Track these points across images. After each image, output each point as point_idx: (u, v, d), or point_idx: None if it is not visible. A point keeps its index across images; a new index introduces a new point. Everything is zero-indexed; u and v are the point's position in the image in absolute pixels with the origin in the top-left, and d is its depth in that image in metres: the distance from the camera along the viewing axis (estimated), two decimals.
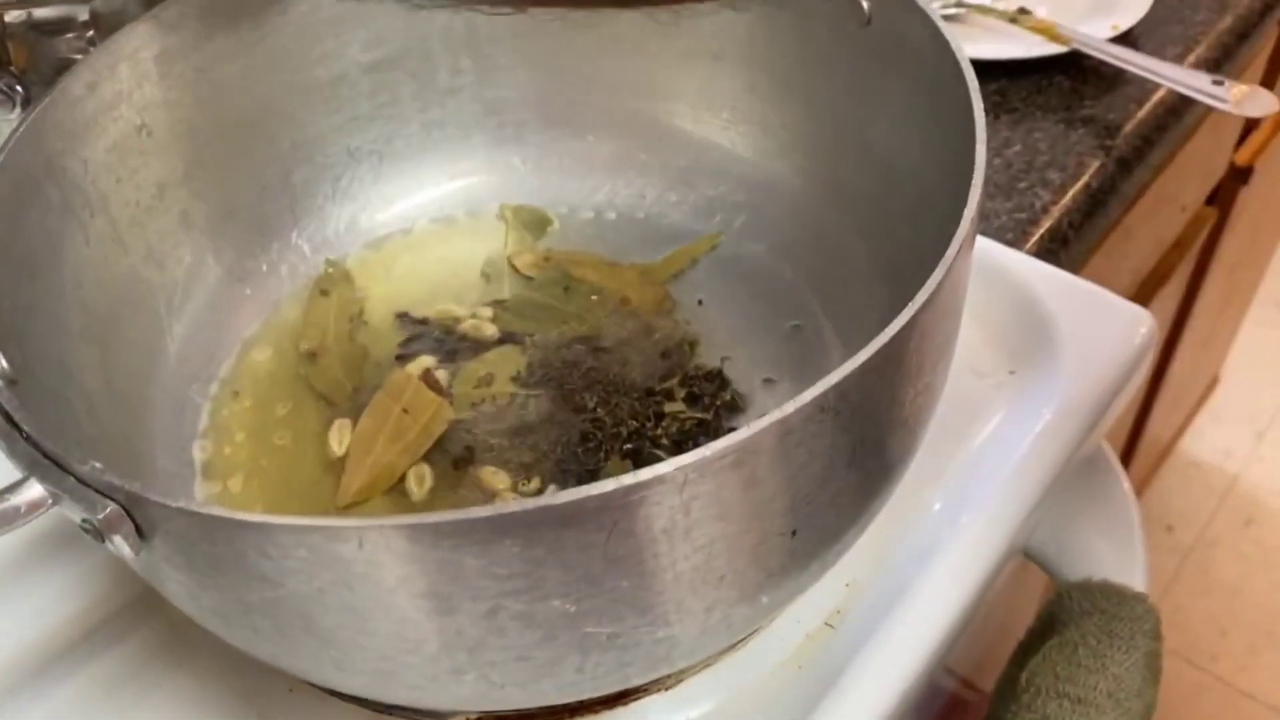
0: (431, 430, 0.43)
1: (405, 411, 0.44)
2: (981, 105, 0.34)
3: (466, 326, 0.47)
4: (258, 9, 0.45)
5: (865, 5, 0.41)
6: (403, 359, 0.46)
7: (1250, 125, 0.86)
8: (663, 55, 0.50)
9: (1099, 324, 0.47)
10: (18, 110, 0.48)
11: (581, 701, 0.38)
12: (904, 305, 0.41)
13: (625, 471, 0.41)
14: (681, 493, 0.27)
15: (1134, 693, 0.43)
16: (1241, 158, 0.87)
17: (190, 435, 0.44)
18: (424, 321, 0.48)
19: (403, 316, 0.48)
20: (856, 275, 0.45)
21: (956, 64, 0.37)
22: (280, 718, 0.39)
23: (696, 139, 0.51)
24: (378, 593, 0.28)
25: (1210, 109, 0.64)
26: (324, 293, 0.49)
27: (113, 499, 0.28)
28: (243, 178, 0.48)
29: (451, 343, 0.47)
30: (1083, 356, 0.46)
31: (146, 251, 0.44)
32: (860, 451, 0.30)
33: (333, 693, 0.39)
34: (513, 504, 0.26)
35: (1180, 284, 0.88)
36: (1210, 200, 0.85)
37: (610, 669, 0.31)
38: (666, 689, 0.39)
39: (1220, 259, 0.94)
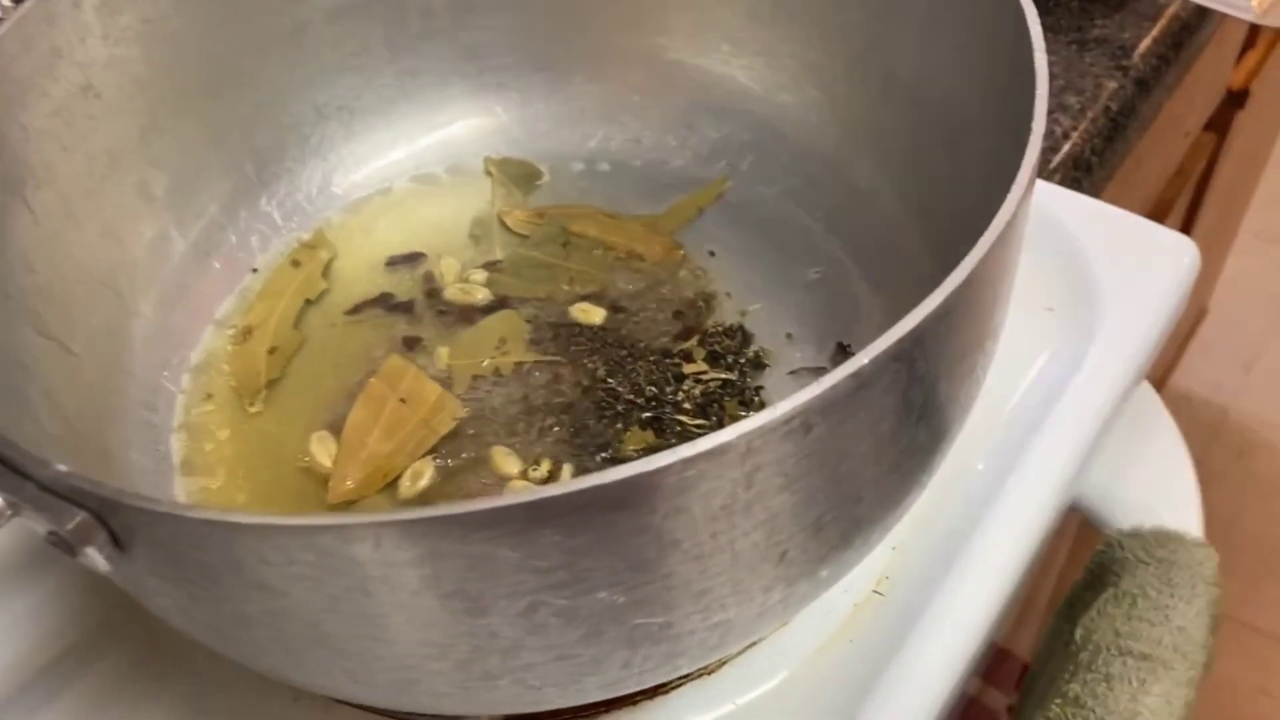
0: (436, 427, 0.39)
1: (402, 401, 0.40)
2: (1036, 14, 0.31)
3: (457, 291, 0.44)
4: None
5: None
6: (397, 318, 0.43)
7: (1245, 47, 0.83)
8: None
9: (1139, 254, 0.44)
10: None
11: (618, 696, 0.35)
12: (943, 244, 0.38)
13: (647, 443, 0.39)
14: (744, 463, 0.23)
15: (1199, 644, 0.41)
16: (1236, 81, 0.84)
17: (165, 428, 0.40)
18: (415, 287, 0.44)
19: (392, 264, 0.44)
20: (883, 215, 0.42)
21: None
22: None
23: (695, 76, 0.47)
24: (399, 596, 0.24)
25: (1219, 25, 0.61)
26: (295, 264, 0.45)
27: (83, 506, 0.24)
28: (202, 141, 0.43)
29: (441, 310, 0.43)
30: (1125, 289, 0.43)
31: (103, 227, 0.40)
32: (929, 405, 0.27)
33: (344, 700, 0.35)
34: (555, 487, 0.22)
35: (1179, 214, 0.86)
36: (1207, 126, 0.82)
37: (659, 661, 0.28)
38: (710, 673, 0.35)
39: (1215, 187, 0.91)
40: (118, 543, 0.25)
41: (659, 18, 0.46)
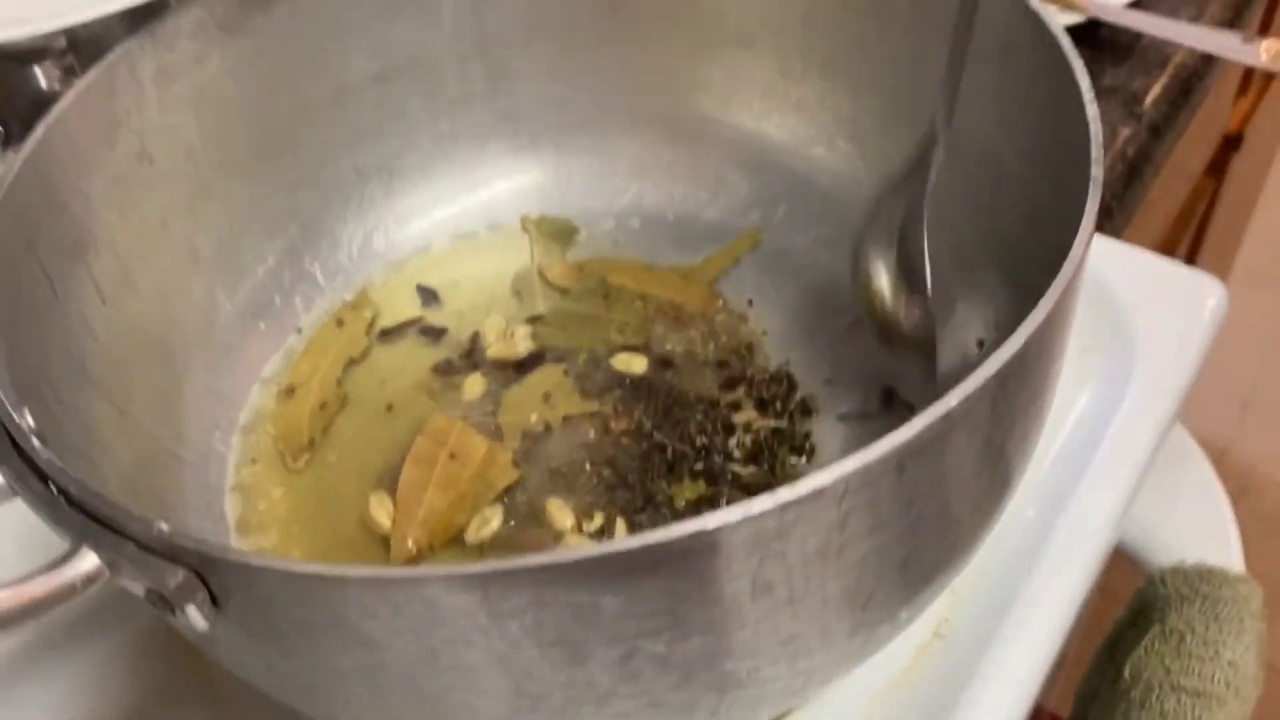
0: (492, 481, 0.39)
1: (452, 457, 0.40)
2: (1082, 65, 0.32)
3: (501, 347, 0.44)
4: (255, 22, 0.42)
5: None
6: (443, 377, 0.43)
7: (1238, 93, 0.85)
8: (684, 47, 0.47)
9: (1168, 294, 0.45)
10: (0, 148, 0.44)
11: None
12: (984, 290, 0.39)
13: (699, 493, 0.39)
14: (840, 505, 0.24)
15: (1251, 678, 0.41)
16: (1230, 126, 0.86)
17: (219, 489, 0.40)
18: (460, 345, 0.44)
19: (427, 331, 0.45)
20: None
21: (1036, 22, 0.34)
22: None
23: (726, 132, 0.48)
24: (500, 646, 0.24)
25: (1220, 73, 0.63)
26: (339, 323, 0.46)
27: (184, 564, 0.24)
28: (248, 204, 0.44)
29: (488, 365, 0.44)
30: (1157, 329, 0.44)
31: (155, 290, 0.40)
32: (1007, 444, 0.28)
33: None
34: (661, 533, 0.23)
35: (1182, 257, 0.87)
36: (1206, 170, 0.84)
37: (744, 707, 0.28)
38: None
39: (1212, 229, 0.93)
40: (214, 600, 0.25)
41: (690, 77, 0.47)
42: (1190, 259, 0.91)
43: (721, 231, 0.48)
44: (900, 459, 0.24)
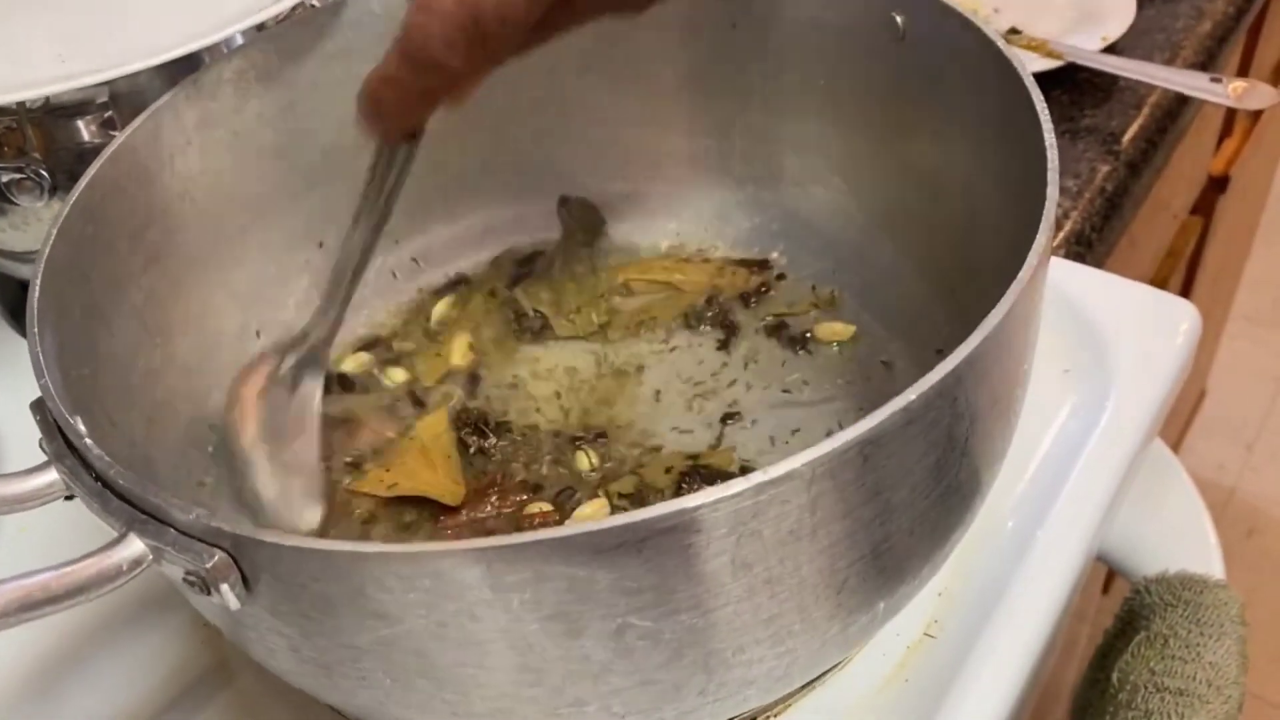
0: None
1: None
2: (1045, 105, 0.35)
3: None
4: (289, 73, 0.45)
5: (899, 20, 0.41)
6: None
7: (1223, 135, 0.88)
8: (683, 93, 0.50)
9: (1144, 317, 0.48)
10: (45, 197, 0.47)
11: None
12: (964, 311, 0.41)
13: None
14: (810, 489, 0.26)
15: (1231, 680, 0.43)
16: (1216, 167, 0.89)
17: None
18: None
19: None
20: (908, 290, 0.45)
21: (1009, 69, 0.37)
22: None
23: (727, 175, 0.51)
24: (503, 619, 0.27)
25: (1197, 113, 0.66)
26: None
27: (219, 546, 0.27)
28: (277, 242, 0.47)
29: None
30: (1134, 350, 0.46)
31: (195, 323, 0.43)
32: (971, 441, 0.30)
33: None
34: (645, 511, 0.25)
35: (1174, 293, 0.89)
36: (1193, 210, 0.87)
37: (733, 689, 0.30)
38: (775, 716, 0.37)
39: (1204, 269, 0.95)
40: (245, 582, 0.28)
41: (686, 124, 0.51)
42: (1184, 294, 0.93)
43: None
44: (862, 448, 0.26)
